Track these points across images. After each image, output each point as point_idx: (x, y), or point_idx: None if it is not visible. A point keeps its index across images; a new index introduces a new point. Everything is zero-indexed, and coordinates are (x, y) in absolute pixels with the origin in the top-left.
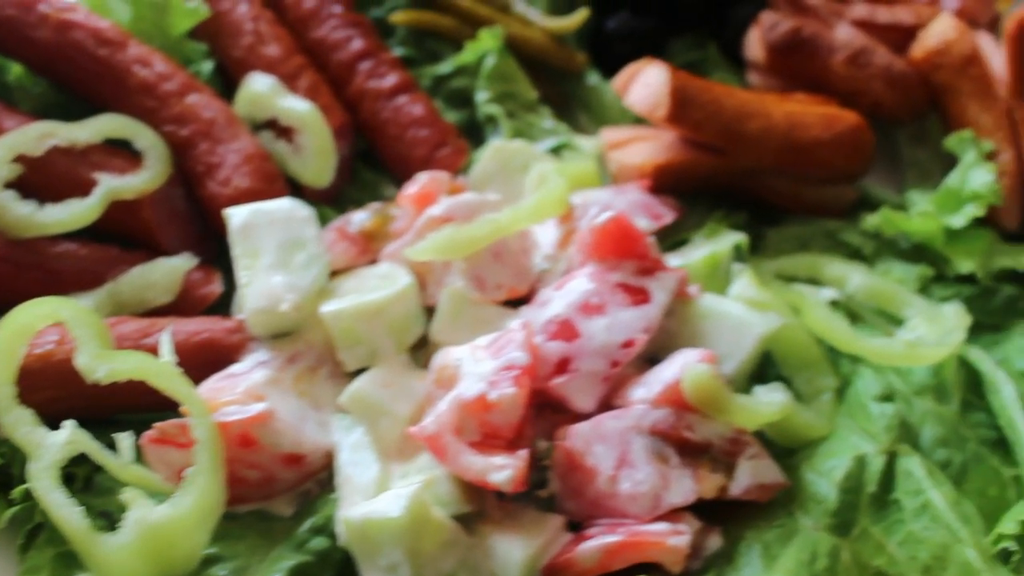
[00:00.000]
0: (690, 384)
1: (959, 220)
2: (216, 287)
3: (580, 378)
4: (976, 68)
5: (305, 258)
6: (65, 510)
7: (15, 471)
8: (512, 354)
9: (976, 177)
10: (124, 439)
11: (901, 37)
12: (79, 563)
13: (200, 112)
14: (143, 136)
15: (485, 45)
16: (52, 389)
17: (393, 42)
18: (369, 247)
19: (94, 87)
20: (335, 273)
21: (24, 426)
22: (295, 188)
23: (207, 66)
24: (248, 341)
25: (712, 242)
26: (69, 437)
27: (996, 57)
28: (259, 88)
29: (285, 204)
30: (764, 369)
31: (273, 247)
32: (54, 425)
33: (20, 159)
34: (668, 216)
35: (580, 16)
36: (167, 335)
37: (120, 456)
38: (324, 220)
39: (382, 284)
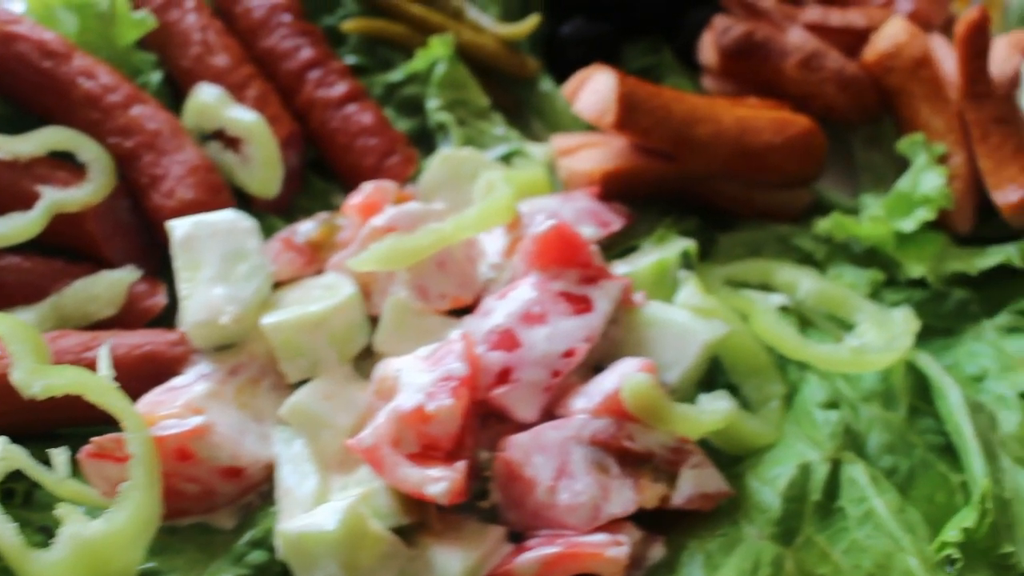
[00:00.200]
0: (629, 393)
1: (910, 224)
2: (160, 299)
3: (521, 388)
4: (927, 71)
5: (247, 270)
6: None
7: None
8: (451, 365)
9: (927, 181)
10: (59, 454)
11: (854, 40)
12: None
13: (145, 124)
14: (87, 148)
15: (436, 52)
16: None
17: (345, 50)
18: (316, 257)
19: (38, 99)
20: (281, 284)
21: None
22: (244, 199)
23: (156, 76)
24: (191, 353)
25: (661, 249)
26: (2, 454)
27: (950, 60)
28: (206, 99)
29: (228, 216)
30: (714, 376)
31: (215, 259)
32: None
33: None
34: (617, 223)
35: (531, 22)
36: (105, 349)
37: (55, 471)
38: (273, 230)
39: (325, 295)
